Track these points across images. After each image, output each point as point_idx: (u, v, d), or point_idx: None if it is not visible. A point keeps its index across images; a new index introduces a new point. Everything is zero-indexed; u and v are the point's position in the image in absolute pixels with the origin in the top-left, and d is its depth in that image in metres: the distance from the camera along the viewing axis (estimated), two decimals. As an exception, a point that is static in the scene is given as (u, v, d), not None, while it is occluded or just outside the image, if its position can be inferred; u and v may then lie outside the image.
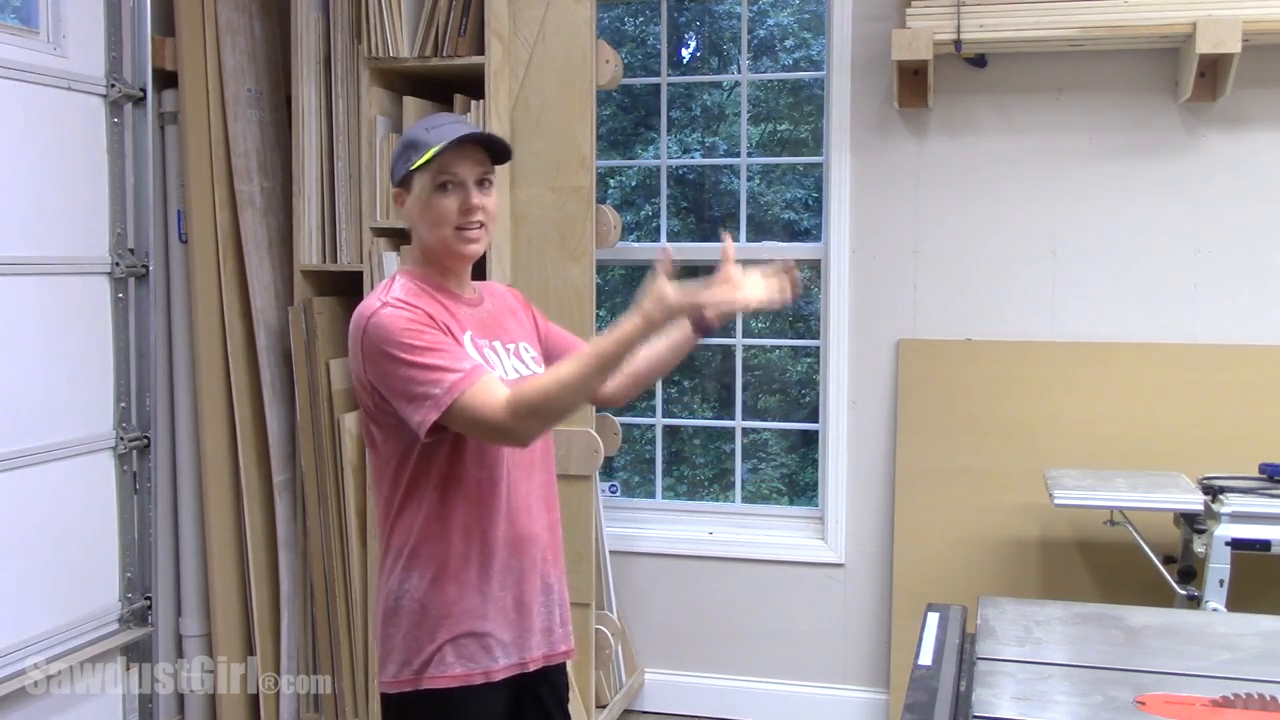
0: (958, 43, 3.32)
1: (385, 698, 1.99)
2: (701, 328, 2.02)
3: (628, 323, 1.79)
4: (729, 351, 4.09)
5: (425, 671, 1.92)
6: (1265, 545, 2.80)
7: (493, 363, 1.96)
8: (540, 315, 2.20)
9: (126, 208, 3.16)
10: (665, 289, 1.80)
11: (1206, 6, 3.15)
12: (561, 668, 2.12)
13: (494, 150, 1.96)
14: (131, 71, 3.15)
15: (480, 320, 2.01)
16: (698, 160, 4.42)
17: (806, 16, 4.20)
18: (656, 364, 2.13)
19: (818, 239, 3.87)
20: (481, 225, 1.94)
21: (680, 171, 4.32)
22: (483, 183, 1.94)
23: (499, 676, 1.96)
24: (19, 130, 2.88)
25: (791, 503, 4.36)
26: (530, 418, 1.80)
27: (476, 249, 1.96)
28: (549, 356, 2.10)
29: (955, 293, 3.60)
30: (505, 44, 3.26)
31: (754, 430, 4.25)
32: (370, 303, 1.90)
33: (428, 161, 1.89)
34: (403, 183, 1.95)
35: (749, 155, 4.02)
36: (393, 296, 1.89)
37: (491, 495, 1.94)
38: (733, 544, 3.89)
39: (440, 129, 1.92)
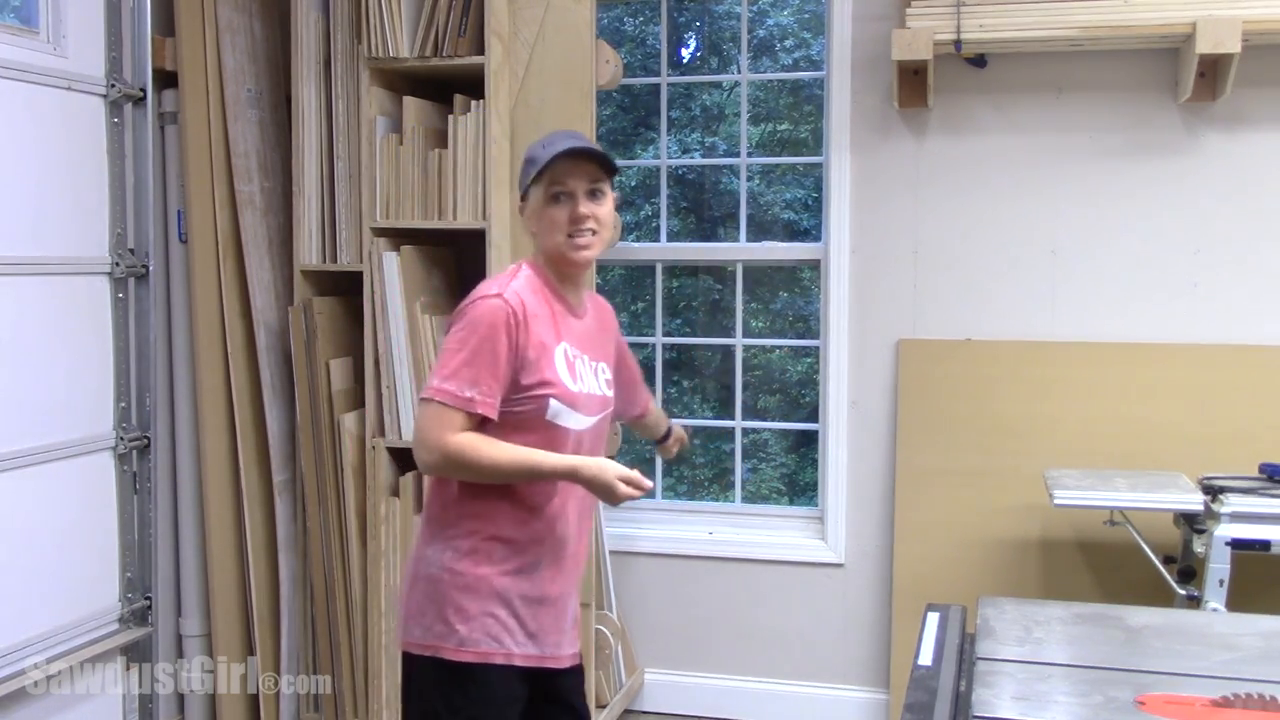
0: (958, 43, 3.32)
1: (407, 657, 2.07)
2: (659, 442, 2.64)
3: (568, 465, 2.00)
4: (729, 351, 4.09)
5: (448, 640, 2.01)
6: (1265, 545, 2.80)
7: (581, 375, 2.09)
8: (621, 339, 2.38)
9: (126, 208, 3.15)
10: (614, 482, 1.99)
11: (1206, 6, 3.15)
12: (578, 668, 2.23)
13: (605, 163, 2.08)
14: (131, 71, 3.15)
15: (580, 333, 2.13)
16: (698, 160, 4.42)
17: (806, 16, 4.20)
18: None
19: (818, 239, 3.87)
20: (594, 233, 2.07)
21: (680, 171, 4.32)
22: (594, 193, 2.07)
23: (520, 662, 2.04)
24: (19, 130, 2.88)
25: (791, 503, 4.36)
26: (450, 468, 1.99)
27: (588, 255, 2.08)
28: (616, 375, 2.26)
29: (955, 293, 3.60)
30: (505, 44, 3.26)
31: (754, 430, 4.25)
32: (489, 286, 2.05)
33: (541, 175, 2.03)
34: (524, 196, 2.10)
35: (749, 155, 4.02)
36: (512, 289, 2.02)
37: (547, 498, 2.06)
38: (733, 544, 3.89)
39: (553, 145, 2.05)
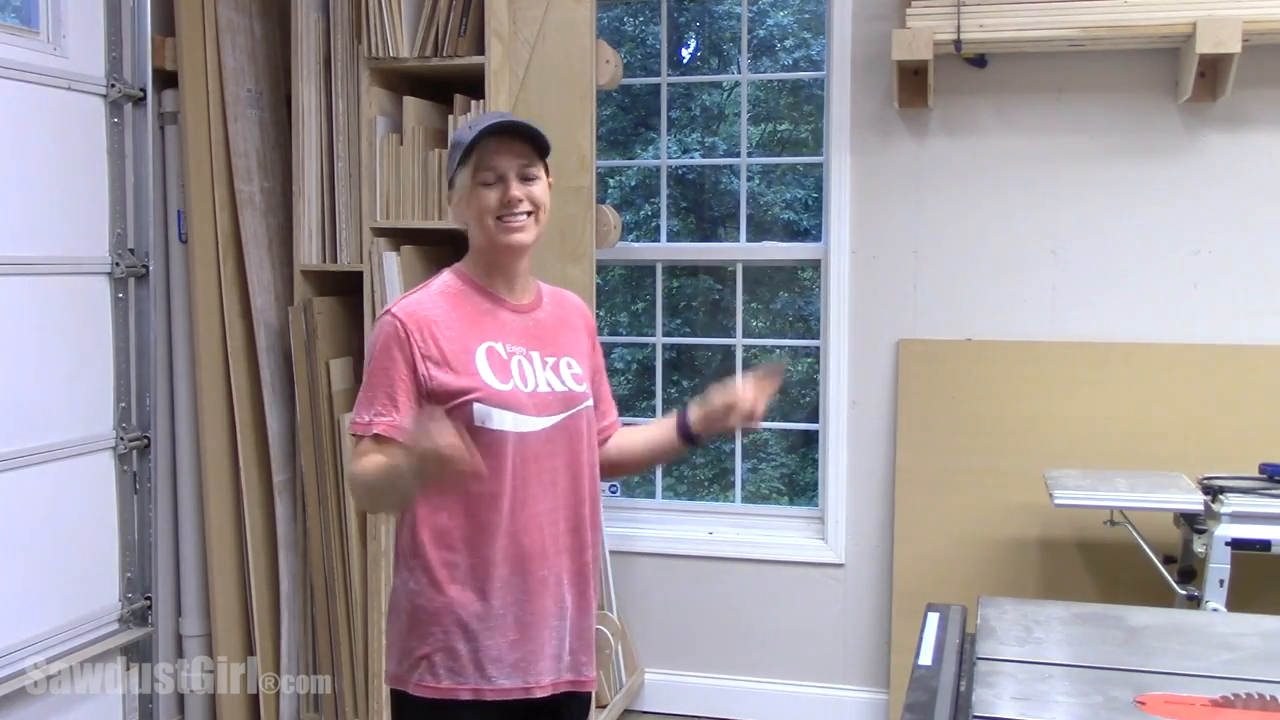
0: (958, 43, 3.32)
1: (390, 691, 2.00)
2: (690, 437, 2.06)
3: (398, 457, 1.75)
4: (729, 351, 4.09)
5: (413, 675, 1.91)
6: (1265, 545, 2.80)
7: (521, 373, 1.93)
8: (598, 350, 2.14)
9: (126, 208, 3.16)
10: (432, 435, 1.67)
11: (1206, 6, 3.15)
12: (577, 699, 2.03)
13: (534, 141, 1.94)
14: (131, 71, 3.15)
15: (523, 328, 1.97)
16: (698, 160, 4.42)
17: (806, 16, 4.20)
18: (632, 460, 2.18)
19: (818, 239, 3.87)
20: (529, 214, 1.92)
21: (680, 171, 4.32)
22: (525, 176, 1.92)
23: (491, 697, 1.90)
24: (19, 130, 2.88)
25: (791, 503, 4.36)
26: (356, 497, 1.96)
27: (522, 238, 1.93)
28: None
29: (955, 293, 3.60)
30: (505, 44, 3.25)
31: (754, 430, 4.25)
32: (388, 305, 1.96)
33: (467, 158, 1.90)
34: (452, 183, 1.96)
35: (749, 155, 4.02)
36: (409, 301, 1.93)
37: (491, 510, 1.89)
38: (733, 544, 3.89)
39: (479, 125, 1.92)
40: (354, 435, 1.90)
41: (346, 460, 3.31)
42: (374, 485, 1.85)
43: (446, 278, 1.98)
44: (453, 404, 1.86)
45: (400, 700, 1.96)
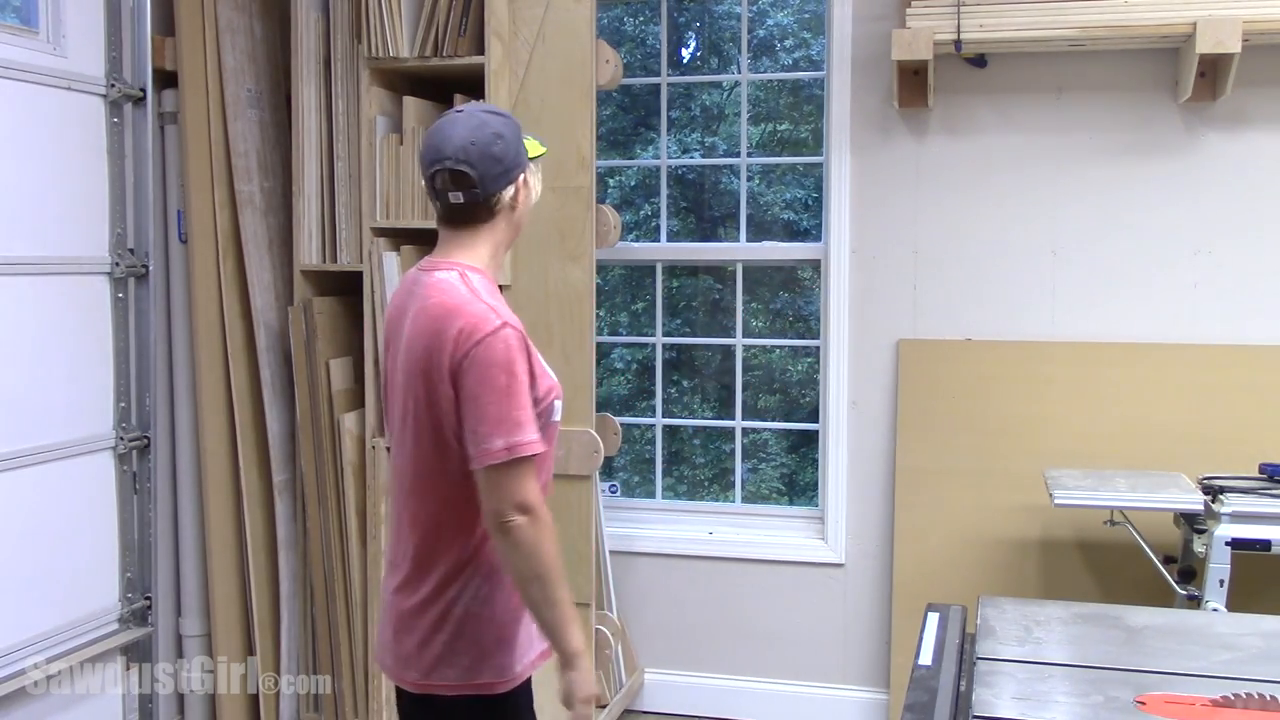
0: (958, 43, 3.32)
1: (437, 699, 1.94)
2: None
3: (579, 646, 1.90)
4: (729, 351, 4.09)
5: (501, 675, 1.93)
6: (1265, 545, 2.80)
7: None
8: None
9: (126, 208, 3.15)
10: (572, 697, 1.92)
11: (1206, 6, 3.15)
12: None
13: None
14: (131, 71, 3.15)
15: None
16: (698, 160, 4.42)
17: (806, 16, 4.20)
18: None
19: (818, 239, 3.87)
20: None
21: (680, 171, 4.32)
22: None
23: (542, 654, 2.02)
24: (19, 130, 2.88)
25: (791, 503, 4.36)
26: (531, 539, 1.82)
27: None
28: None
29: (955, 293, 3.60)
30: (505, 44, 3.26)
31: (754, 430, 4.25)
32: (481, 315, 1.85)
33: (536, 161, 2.03)
34: (520, 177, 2.00)
35: (749, 155, 4.02)
36: (504, 311, 1.88)
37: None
38: (733, 544, 3.89)
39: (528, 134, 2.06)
40: (514, 460, 1.80)
41: (347, 460, 3.32)
42: (546, 585, 1.85)
43: (483, 279, 1.93)
44: (542, 405, 1.91)
45: (468, 704, 1.93)
